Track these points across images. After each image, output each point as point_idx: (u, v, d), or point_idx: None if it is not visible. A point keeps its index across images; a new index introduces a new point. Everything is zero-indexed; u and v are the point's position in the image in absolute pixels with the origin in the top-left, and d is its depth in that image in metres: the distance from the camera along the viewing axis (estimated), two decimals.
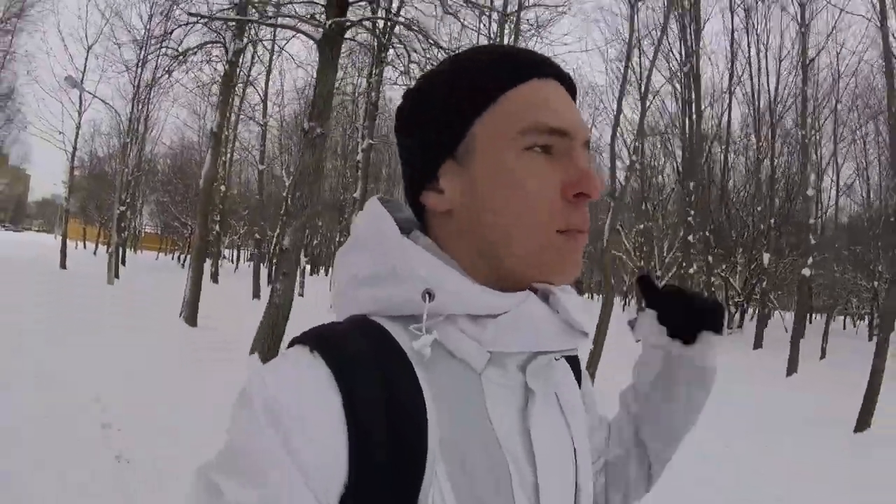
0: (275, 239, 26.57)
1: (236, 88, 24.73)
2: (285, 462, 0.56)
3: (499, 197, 0.67)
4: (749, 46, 22.46)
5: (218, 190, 27.99)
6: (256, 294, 22.18)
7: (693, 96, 19.93)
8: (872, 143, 24.73)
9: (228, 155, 26.70)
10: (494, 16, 17.56)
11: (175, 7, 11.58)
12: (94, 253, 44.95)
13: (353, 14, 9.80)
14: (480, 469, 0.63)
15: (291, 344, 0.65)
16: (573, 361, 0.87)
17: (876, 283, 21.76)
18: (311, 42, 8.93)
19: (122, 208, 25.92)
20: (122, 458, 4.61)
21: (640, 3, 14.03)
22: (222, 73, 12.79)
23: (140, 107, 26.11)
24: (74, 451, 4.56)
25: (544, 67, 0.71)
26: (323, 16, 8.51)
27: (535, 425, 0.69)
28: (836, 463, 7.06)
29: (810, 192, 17.93)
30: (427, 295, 0.64)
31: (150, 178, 36.25)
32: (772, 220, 21.04)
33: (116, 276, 22.47)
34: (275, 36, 17.46)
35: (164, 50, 12.38)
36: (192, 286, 12.32)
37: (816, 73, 19.63)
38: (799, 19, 17.57)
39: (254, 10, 11.44)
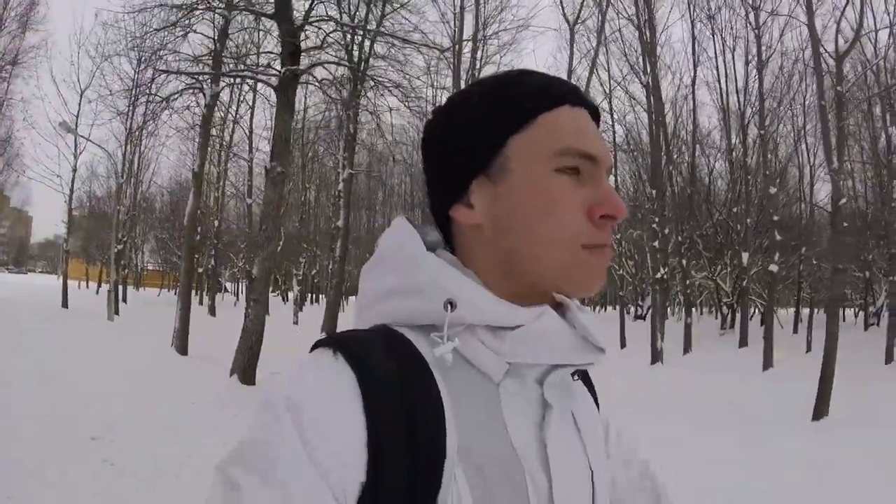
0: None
1: (227, 127, 25.93)
2: (304, 460, 0.57)
3: (531, 214, 0.70)
4: (715, 51, 23.16)
5: (212, 225, 29.13)
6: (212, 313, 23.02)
7: (655, 106, 20.73)
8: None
9: (220, 190, 27.80)
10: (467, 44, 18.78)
11: (156, 57, 12.67)
12: (97, 292, 45.81)
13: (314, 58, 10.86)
14: (497, 475, 0.64)
15: (315, 347, 0.67)
16: (593, 393, 0.89)
17: (867, 274, 22.47)
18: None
19: (119, 247, 26.90)
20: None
21: (578, 26, 15.21)
22: (201, 117, 13.76)
23: (132, 148, 27.17)
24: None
25: (576, 97, 0.75)
26: (278, 63, 9.49)
27: (551, 437, 0.70)
28: (790, 452, 7.26)
29: (772, 190, 18.79)
30: (449, 305, 0.67)
31: (147, 216, 37.35)
32: (748, 220, 21.65)
33: (116, 312, 23.43)
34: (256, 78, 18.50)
35: (148, 96, 13.46)
36: (181, 317, 13.21)
37: (782, 71, 20.69)
38: (752, 22, 18.77)
39: (227, 60, 12.51)
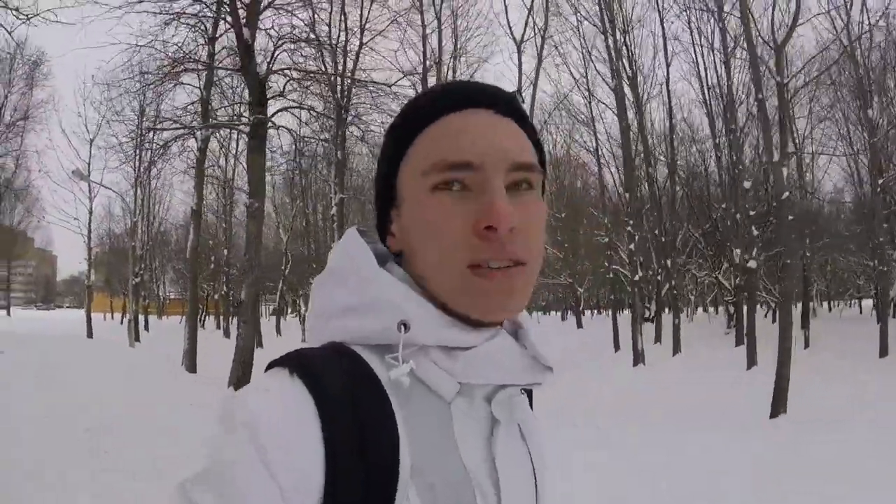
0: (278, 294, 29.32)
1: (228, 162, 27.62)
2: (263, 479, 0.57)
3: (415, 239, 0.70)
4: (694, 47, 23.29)
5: (222, 254, 30.86)
6: (259, 343, 24.56)
7: (619, 110, 21.58)
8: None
9: (227, 222, 29.56)
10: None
11: (154, 106, 14.33)
12: (121, 322, 47.83)
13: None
14: (448, 494, 0.65)
15: (270, 367, 0.67)
16: (530, 397, 0.88)
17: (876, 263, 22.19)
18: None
19: (137, 279, 28.67)
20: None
21: (525, 45, 16.64)
22: (195, 160, 15.36)
23: (142, 189, 29.03)
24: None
25: (460, 99, 0.72)
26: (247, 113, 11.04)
27: (500, 454, 0.70)
28: (740, 451, 7.40)
29: (746, 184, 19.40)
30: (402, 326, 0.66)
31: (163, 249, 39.28)
32: (737, 216, 21.48)
33: (137, 339, 25.10)
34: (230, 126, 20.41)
35: (150, 143, 15.12)
36: (188, 339, 14.75)
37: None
38: (717, 17, 19.19)
39: (213, 109, 14.13)
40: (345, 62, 21.82)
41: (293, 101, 12.51)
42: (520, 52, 16.20)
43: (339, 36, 21.75)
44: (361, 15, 21.18)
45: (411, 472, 0.63)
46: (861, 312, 32.90)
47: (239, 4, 10.83)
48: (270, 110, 12.24)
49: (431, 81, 20.27)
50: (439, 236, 0.68)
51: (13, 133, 28.19)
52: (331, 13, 20.99)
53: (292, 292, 37.85)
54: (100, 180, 25.94)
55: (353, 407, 0.62)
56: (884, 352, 16.38)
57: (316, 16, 17.04)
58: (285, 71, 11.83)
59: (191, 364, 14.57)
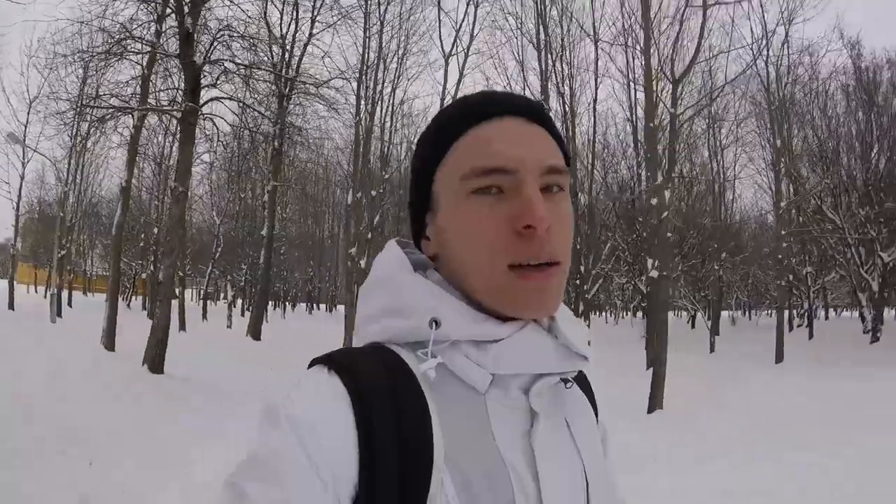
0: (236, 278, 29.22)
1: (167, 139, 27.43)
2: (304, 467, 0.63)
3: (456, 242, 0.75)
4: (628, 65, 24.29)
5: (152, 233, 30.62)
6: (182, 327, 24.56)
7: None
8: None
9: (161, 200, 29.38)
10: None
11: (94, 81, 14.34)
12: (45, 296, 46.61)
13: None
14: (484, 483, 0.68)
15: (312, 364, 0.72)
16: (593, 400, 0.89)
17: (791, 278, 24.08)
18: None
19: (63, 252, 28.20)
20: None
21: (450, 60, 17.27)
22: (129, 138, 15.39)
23: (76, 159, 28.53)
24: None
25: (491, 108, 0.76)
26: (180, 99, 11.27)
27: (539, 445, 0.72)
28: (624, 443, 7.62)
29: (653, 201, 20.48)
30: (433, 323, 0.71)
31: (93, 223, 38.49)
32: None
33: (59, 314, 24.73)
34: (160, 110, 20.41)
35: (87, 115, 15.06)
36: (108, 317, 14.72)
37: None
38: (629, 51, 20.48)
39: (154, 89, 14.25)
40: (291, 53, 22.16)
41: (225, 92, 12.74)
42: (447, 66, 17.04)
43: (288, 27, 22.07)
44: (314, 6, 21.62)
45: (445, 460, 0.66)
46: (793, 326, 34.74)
47: None
48: (208, 97, 12.54)
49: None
50: (479, 238, 0.72)
51: None
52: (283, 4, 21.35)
53: (223, 276, 37.57)
54: (35, 146, 25.25)
55: (388, 399, 0.67)
56: (779, 357, 18.00)
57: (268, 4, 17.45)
58: (223, 62, 12.08)
59: (109, 342, 14.58)
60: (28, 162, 27.91)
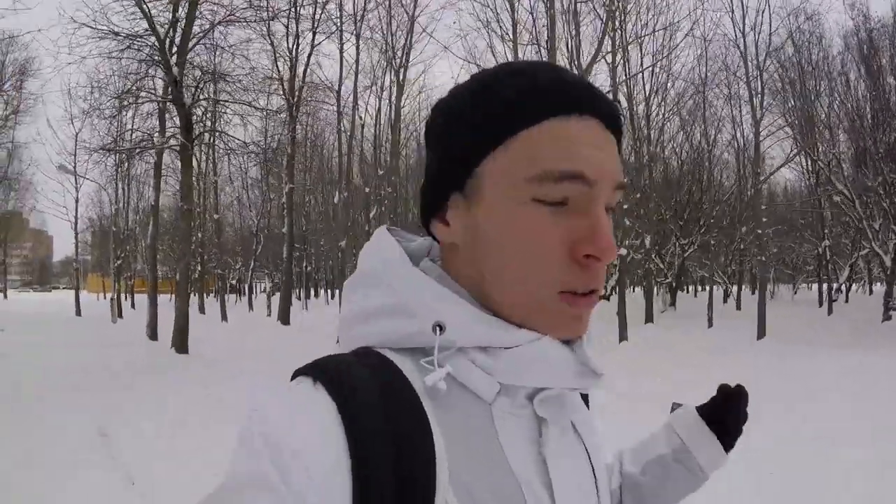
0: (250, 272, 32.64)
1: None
2: (287, 500, 0.53)
3: (500, 249, 0.64)
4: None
5: (197, 238, 34.13)
6: (223, 317, 27.79)
7: None
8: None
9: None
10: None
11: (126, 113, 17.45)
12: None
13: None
14: (492, 496, 0.61)
15: (295, 375, 0.63)
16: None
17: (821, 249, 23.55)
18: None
19: (119, 262, 31.98)
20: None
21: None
22: (153, 164, 18.46)
23: (120, 181, 32.41)
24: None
25: (576, 104, 0.64)
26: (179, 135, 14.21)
27: (551, 454, 0.66)
28: None
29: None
30: (438, 327, 0.63)
31: (145, 233, 42.37)
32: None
33: (120, 315, 28.38)
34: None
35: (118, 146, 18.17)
36: (150, 313, 17.80)
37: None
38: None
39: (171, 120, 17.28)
40: (295, 66, 24.83)
41: (215, 128, 15.74)
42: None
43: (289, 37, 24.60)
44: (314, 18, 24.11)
45: (450, 480, 0.59)
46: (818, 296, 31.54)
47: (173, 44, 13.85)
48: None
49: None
50: (532, 255, 0.63)
51: (7, 128, 30.42)
52: (289, 17, 23.90)
53: (261, 270, 40.54)
54: (84, 172, 28.74)
55: (382, 416, 0.58)
56: (761, 334, 17.56)
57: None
58: (215, 101, 15.05)
59: (152, 332, 17.59)
60: (80, 187, 31.62)
